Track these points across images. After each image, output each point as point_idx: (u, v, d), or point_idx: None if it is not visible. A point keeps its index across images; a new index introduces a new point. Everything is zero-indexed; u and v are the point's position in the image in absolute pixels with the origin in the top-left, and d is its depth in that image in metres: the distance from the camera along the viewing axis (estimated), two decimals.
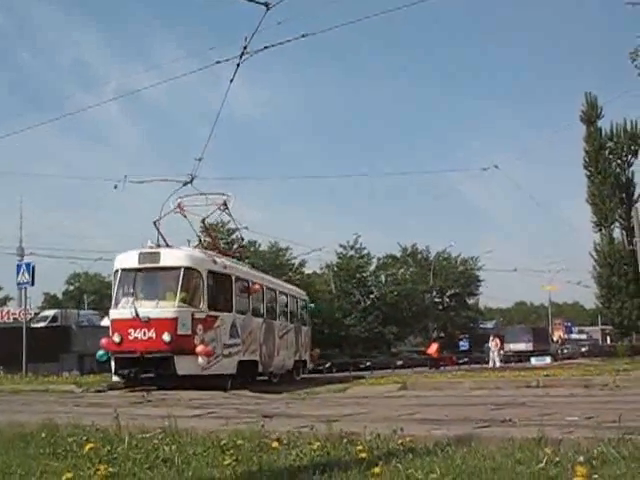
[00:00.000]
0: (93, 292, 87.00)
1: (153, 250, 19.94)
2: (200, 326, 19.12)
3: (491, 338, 47.63)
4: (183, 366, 18.57)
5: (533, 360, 49.90)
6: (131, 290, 19.52)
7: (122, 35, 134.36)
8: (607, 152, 51.27)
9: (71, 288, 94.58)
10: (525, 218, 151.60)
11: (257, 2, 13.13)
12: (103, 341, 19.36)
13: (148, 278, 19.91)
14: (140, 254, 19.61)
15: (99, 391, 18.94)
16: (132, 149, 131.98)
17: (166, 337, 18.22)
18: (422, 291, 71.50)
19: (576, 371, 18.30)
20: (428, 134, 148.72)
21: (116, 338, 18.64)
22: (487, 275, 79.32)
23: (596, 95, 51.72)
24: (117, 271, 19.94)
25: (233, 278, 21.50)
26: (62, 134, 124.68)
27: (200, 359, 18.79)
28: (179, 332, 18.57)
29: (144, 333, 18.42)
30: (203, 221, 26.39)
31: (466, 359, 57.74)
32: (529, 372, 20.38)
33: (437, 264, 72.86)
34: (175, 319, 18.65)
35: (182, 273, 19.22)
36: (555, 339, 75.68)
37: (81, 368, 33.89)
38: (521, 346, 60.26)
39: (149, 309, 18.76)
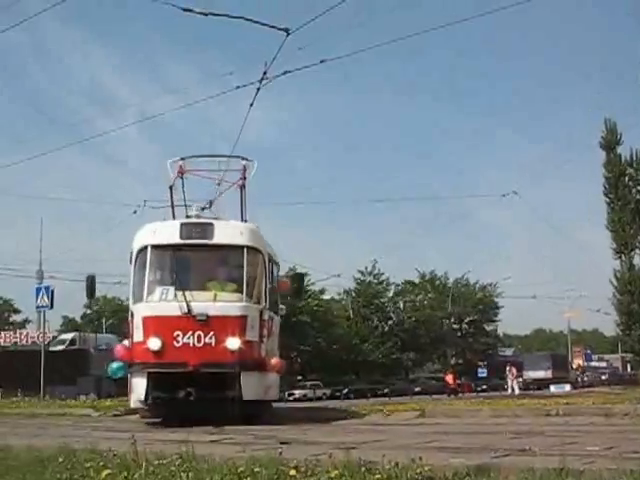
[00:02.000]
0: (111, 315, 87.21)
1: (203, 220, 14.86)
2: (265, 330, 14.28)
3: (507, 367, 47.36)
4: (251, 387, 13.65)
5: (552, 388, 49.42)
6: (170, 276, 14.35)
7: (141, 59, 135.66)
8: (627, 179, 50.99)
9: (89, 311, 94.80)
10: (544, 244, 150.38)
11: (277, 28, 13.23)
12: (119, 350, 14.59)
13: (196, 260, 15.03)
14: (183, 226, 14.38)
15: (116, 415, 18.91)
16: (150, 172, 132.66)
17: (232, 343, 13.36)
18: (440, 317, 71.35)
19: (596, 399, 18.08)
20: (444, 159, 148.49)
21: (153, 344, 13.30)
22: (506, 302, 78.83)
23: (615, 122, 51.60)
24: (143, 249, 14.31)
25: (279, 267, 16.66)
26: (80, 156, 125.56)
27: (271, 377, 14.57)
28: (247, 337, 13.71)
29: (198, 338, 13.39)
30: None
31: (484, 386, 57.32)
32: (548, 400, 20.18)
33: (455, 290, 72.63)
34: (244, 318, 13.80)
35: (245, 254, 14.21)
36: (575, 367, 75.06)
37: (98, 391, 33.94)
38: (540, 373, 59.83)
39: (206, 303, 13.77)
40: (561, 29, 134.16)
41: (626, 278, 50.30)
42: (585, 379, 66.09)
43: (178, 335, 13.39)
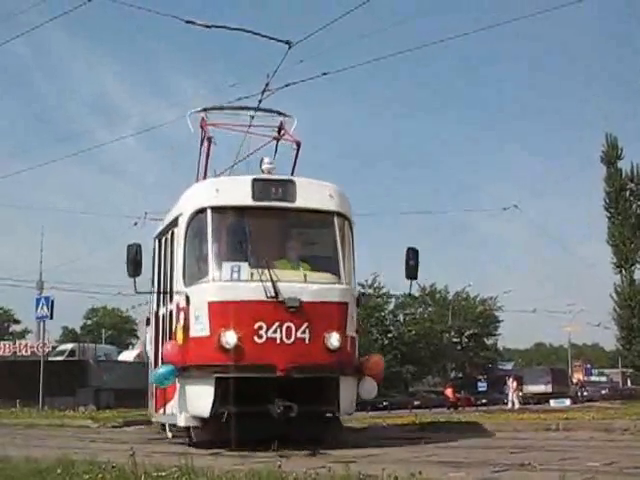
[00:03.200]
0: (111, 327, 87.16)
1: (281, 177, 11.36)
2: (355, 320, 11.39)
3: (510, 380, 47.26)
4: (349, 397, 10.98)
5: (552, 402, 49.23)
6: (240, 249, 11.03)
7: (144, 69, 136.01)
8: (627, 193, 51.08)
9: (89, 322, 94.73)
10: (545, 258, 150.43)
11: (279, 40, 13.27)
12: (169, 349, 10.87)
13: (273, 228, 11.74)
14: (257, 183, 10.91)
15: (115, 427, 18.86)
16: (150, 183, 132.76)
17: (333, 340, 10.38)
18: (440, 331, 71.25)
19: (596, 414, 18.00)
20: (446, 172, 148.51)
21: (228, 339, 9.98)
22: (506, 315, 78.66)
23: (616, 136, 51.72)
24: (200, 213, 10.91)
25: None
26: (81, 167, 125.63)
27: (370, 384, 11.46)
28: (347, 331, 10.82)
29: (288, 331, 10.17)
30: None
31: (484, 400, 57.14)
32: (548, 414, 20.09)
33: (456, 304, 72.51)
34: (344, 306, 10.81)
35: (336, 223, 11.18)
36: (575, 381, 74.80)
37: (97, 402, 33.83)
38: (540, 388, 59.56)
39: (296, 284, 10.52)
40: (564, 40, 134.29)
41: (626, 293, 50.29)
42: (585, 393, 65.82)
43: (261, 327, 10.09)
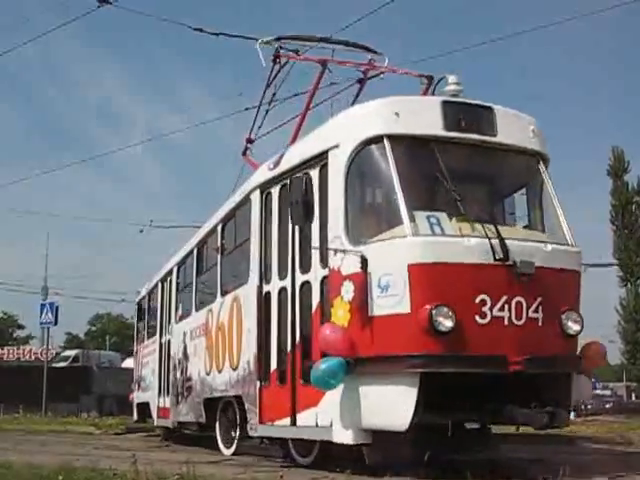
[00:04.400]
0: (115, 333, 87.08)
1: (478, 102, 8.46)
2: None
3: None
4: (579, 398, 8.99)
5: None
6: (433, 192, 8.19)
7: (150, 76, 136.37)
8: (634, 207, 50.98)
9: (93, 329, 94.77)
10: None
11: (288, 50, 13.29)
12: (332, 334, 7.67)
13: (470, 168, 8.59)
14: (448, 106, 8.15)
15: (118, 434, 18.84)
16: (156, 190, 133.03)
17: (573, 323, 7.78)
18: None
19: (600, 428, 17.93)
20: None
21: (442, 318, 7.06)
22: None
23: (623, 149, 51.66)
24: (372, 143, 8.05)
25: None
26: (87, 174, 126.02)
27: (586, 381, 8.67)
28: (575, 309, 8.03)
29: (518, 309, 7.35)
30: None
31: None
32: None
33: None
34: (579, 277, 8.14)
35: (541, 168, 8.65)
36: None
37: (100, 409, 33.79)
38: None
39: (526, 243, 7.71)
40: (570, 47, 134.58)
41: (631, 306, 50.16)
42: (589, 407, 65.62)
43: (484, 302, 7.25)
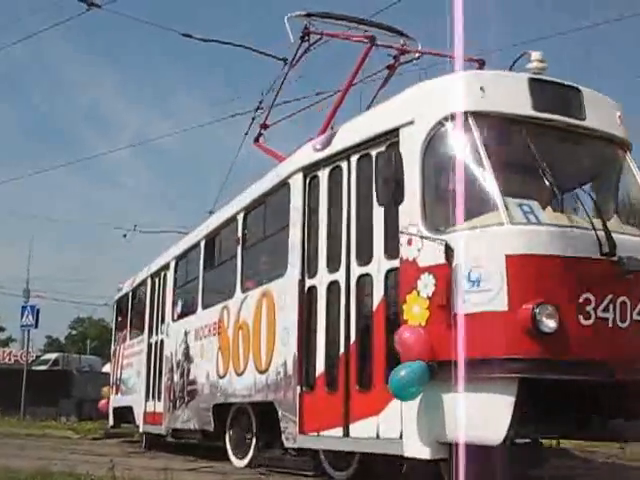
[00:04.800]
0: (96, 337, 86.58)
1: (564, 81, 7.62)
2: None
3: None
4: None
5: None
6: (524, 177, 7.55)
7: (140, 80, 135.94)
8: None
9: (74, 332, 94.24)
10: None
11: (276, 58, 13.30)
12: (413, 336, 6.74)
13: (558, 153, 7.61)
14: (535, 85, 7.35)
15: (96, 439, 18.75)
16: (143, 194, 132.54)
17: None
18: None
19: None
20: None
21: (545, 317, 6.19)
22: None
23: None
24: (452, 119, 7.13)
25: None
26: (73, 176, 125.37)
27: None
28: None
29: (622, 310, 6.58)
30: None
31: None
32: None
33: None
34: None
35: (630, 158, 7.90)
36: None
37: (79, 414, 33.55)
38: None
39: (629, 237, 7.04)
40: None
41: None
42: None
43: (588, 302, 6.46)
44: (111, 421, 18.85)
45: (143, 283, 16.65)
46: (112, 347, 20.36)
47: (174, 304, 13.94)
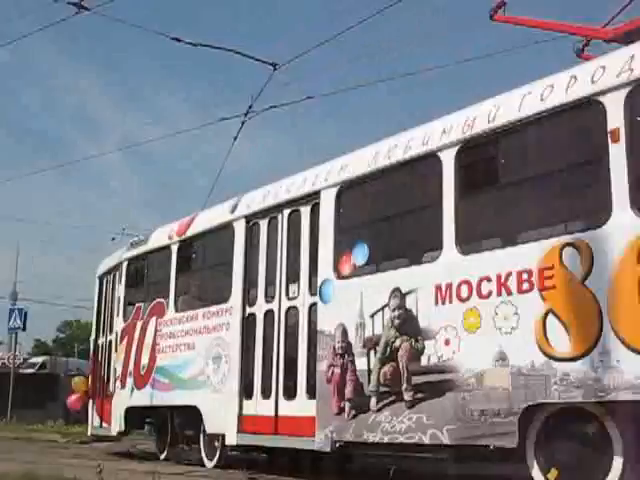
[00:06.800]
0: (84, 341, 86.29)
1: None
2: None
3: None
4: None
5: None
6: None
7: (126, 85, 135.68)
8: None
9: (62, 336, 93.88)
10: None
11: (265, 62, 13.31)
12: None
13: None
14: None
15: (83, 442, 18.67)
16: (131, 198, 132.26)
17: None
18: None
19: None
20: None
21: None
22: None
23: None
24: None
25: None
26: (61, 180, 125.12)
27: None
28: None
29: None
30: None
31: None
32: None
33: None
34: None
35: None
36: None
37: (66, 417, 33.46)
38: None
39: None
40: None
41: None
42: None
43: None
44: (121, 425, 13.87)
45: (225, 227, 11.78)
46: (115, 326, 14.89)
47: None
